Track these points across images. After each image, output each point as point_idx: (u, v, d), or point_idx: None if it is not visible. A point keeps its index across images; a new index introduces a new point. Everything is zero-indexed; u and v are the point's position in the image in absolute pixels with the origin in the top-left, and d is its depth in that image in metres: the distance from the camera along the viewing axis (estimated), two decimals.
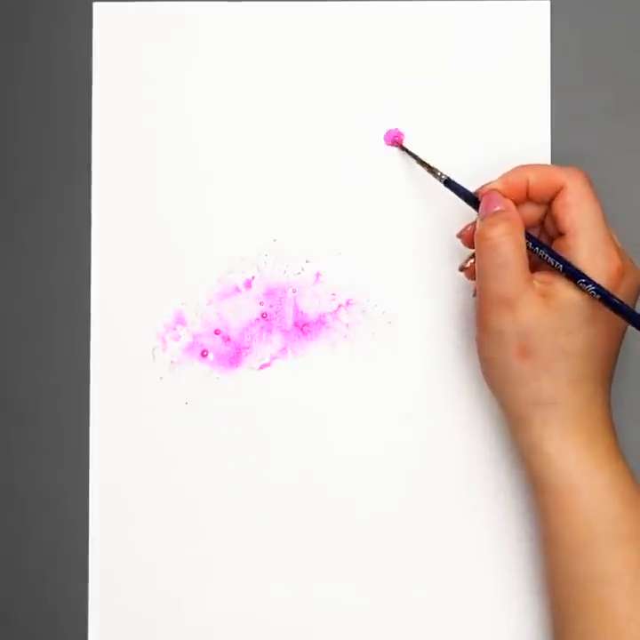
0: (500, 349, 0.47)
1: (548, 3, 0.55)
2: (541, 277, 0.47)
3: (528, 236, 0.47)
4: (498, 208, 0.47)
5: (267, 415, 0.54)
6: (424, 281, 0.54)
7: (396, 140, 0.54)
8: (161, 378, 0.55)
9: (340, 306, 0.55)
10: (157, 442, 0.55)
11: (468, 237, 0.50)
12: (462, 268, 0.50)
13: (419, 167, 0.53)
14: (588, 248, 0.46)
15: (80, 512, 0.55)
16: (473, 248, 0.49)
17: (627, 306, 0.46)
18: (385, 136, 0.54)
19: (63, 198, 0.55)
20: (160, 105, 0.55)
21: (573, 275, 0.46)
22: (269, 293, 0.55)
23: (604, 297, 0.45)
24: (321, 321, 0.55)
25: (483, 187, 0.49)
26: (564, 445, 0.46)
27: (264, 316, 0.55)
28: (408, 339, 0.54)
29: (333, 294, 0.55)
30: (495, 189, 0.48)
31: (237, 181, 0.55)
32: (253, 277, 0.55)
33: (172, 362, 0.55)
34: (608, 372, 0.48)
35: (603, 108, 0.55)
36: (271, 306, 0.55)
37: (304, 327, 0.55)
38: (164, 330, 0.55)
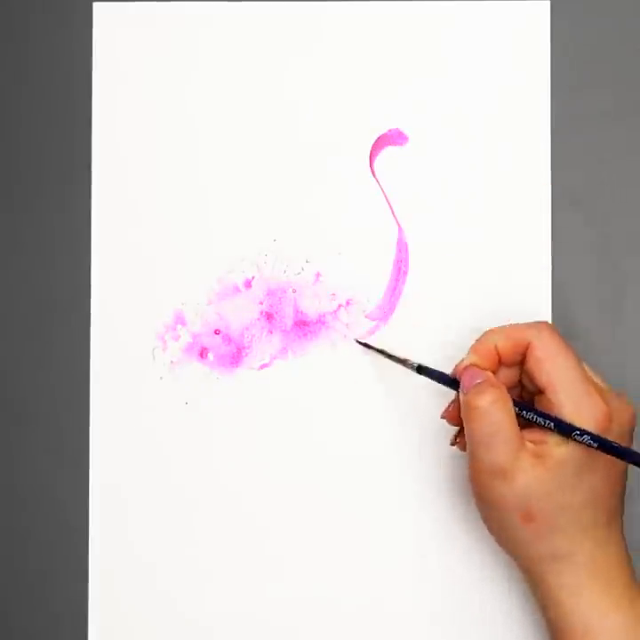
0: (502, 517, 0.46)
1: (548, 3, 0.55)
2: (532, 437, 0.46)
3: (515, 403, 0.47)
4: (479, 380, 0.47)
5: (267, 415, 0.54)
6: (423, 280, 0.55)
7: (358, 341, 0.53)
8: (161, 378, 0.55)
9: (339, 306, 0.55)
10: (157, 442, 0.55)
11: (452, 416, 0.49)
12: (453, 443, 0.50)
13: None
14: (571, 402, 0.45)
15: (80, 512, 0.55)
16: (458, 425, 0.49)
17: (627, 448, 0.45)
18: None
19: (63, 198, 0.55)
20: (160, 105, 0.55)
21: (566, 430, 0.45)
22: (269, 293, 0.55)
23: (602, 445, 0.45)
24: (321, 321, 0.55)
25: (457, 366, 0.48)
26: (580, 593, 0.46)
27: (264, 315, 0.55)
28: (408, 339, 0.54)
29: (333, 294, 0.55)
30: (472, 364, 0.48)
31: (237, 181, 0.55)
32: (253, 277, 0.55)
33: (171, 362, 0.55)
34: (617, 513, 0.47)
35: (602, 108, 0.55)
36: (271, 306, 0.55)
37: (304, 327, 0.55)
38: (163, 330, 0.55)
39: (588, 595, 0.46)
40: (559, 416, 0.46)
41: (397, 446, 0.54)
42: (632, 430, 0.47)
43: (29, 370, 0.55)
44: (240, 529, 0.54)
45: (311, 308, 0.55)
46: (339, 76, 0.55)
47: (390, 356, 0.52)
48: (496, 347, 0.48)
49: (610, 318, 0.54)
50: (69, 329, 0.55)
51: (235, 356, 0.55)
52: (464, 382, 0.47)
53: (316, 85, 0.55)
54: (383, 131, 0.55)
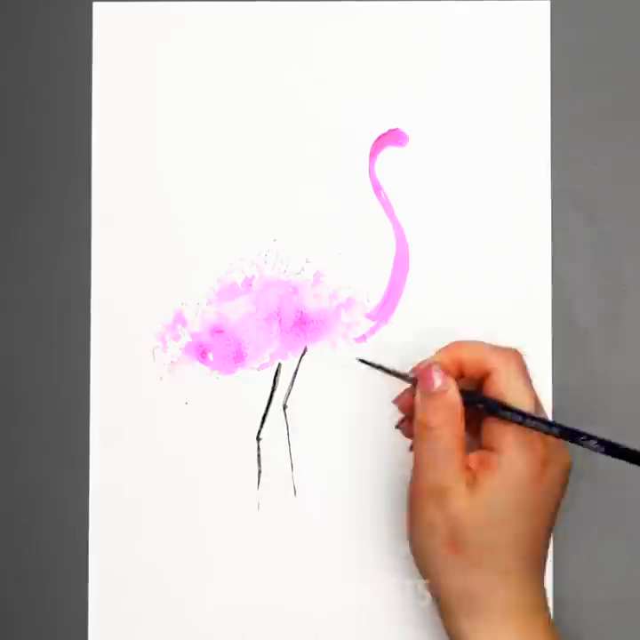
0: (430, 540, 0.46)
1: (548, 3, 0.55)
2: (469, 462, 0.46)
3: (490, 407, 0.46)
4: (438, 385, 0.46)
5: (267, 415, 0.54)
6: (423, 279, 0.55)
7: (359, 358, 0.52)
8: (161, 378, 0.55)
9: (339, 306, 0.55)
10: (157, 442, 0.55)
11: (405, 404, 0.49)
12: (398, 427, 0.50)
13: (419, 171, 0.53)
14: (513, 437, 0.45)
15: (80, 512, 0.55)
16: (409, 412, 0.48)
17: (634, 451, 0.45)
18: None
19: (63, 198, 0.55)
20: (160, 105, 0.55)
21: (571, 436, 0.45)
22: (269, 293, 0.55)
23: (608, 449, 0.45)
24: (321, 321, 0.55)
25: (419, 365, 0.48)
26: (493, 637, 0.45)
27: (264, 315, 0.55)
28: (408, 338, 0.54)
29: (333, 294, 0.55)
30: (436, 363, 0.47)
31: (237, 181, 0.55)
32: (253, 277, 0.55)
33: (172, 362, 0.55)
34: (537, 559, 0.47)
35: (602, 108, 0.55)
36: (271, 306, 0.55)
37: (304, 327, 0.55)
38: (164, 330, 0.55)
39: (503, 637, 0.45)
40: (499, 444, 0.46)
41: (398, 448, 0.54)
42: (563, 481, 0.47)
43: (29, 370, 0.55)
44: (240, 528, 0.54)
45: (311, 307, 0.55)
46: (338, 76, 0.55)
47: (389, 371, 0.50)
48: (461, 358, 0.47)
49: (610, 318, 0.54)
50: (69, 329, 0.55)
51: (235, 355, 0.55)
52: (421, 382, 0.47)
53: (315, 85, 0.55)
54: (383, 131, 0.55)
